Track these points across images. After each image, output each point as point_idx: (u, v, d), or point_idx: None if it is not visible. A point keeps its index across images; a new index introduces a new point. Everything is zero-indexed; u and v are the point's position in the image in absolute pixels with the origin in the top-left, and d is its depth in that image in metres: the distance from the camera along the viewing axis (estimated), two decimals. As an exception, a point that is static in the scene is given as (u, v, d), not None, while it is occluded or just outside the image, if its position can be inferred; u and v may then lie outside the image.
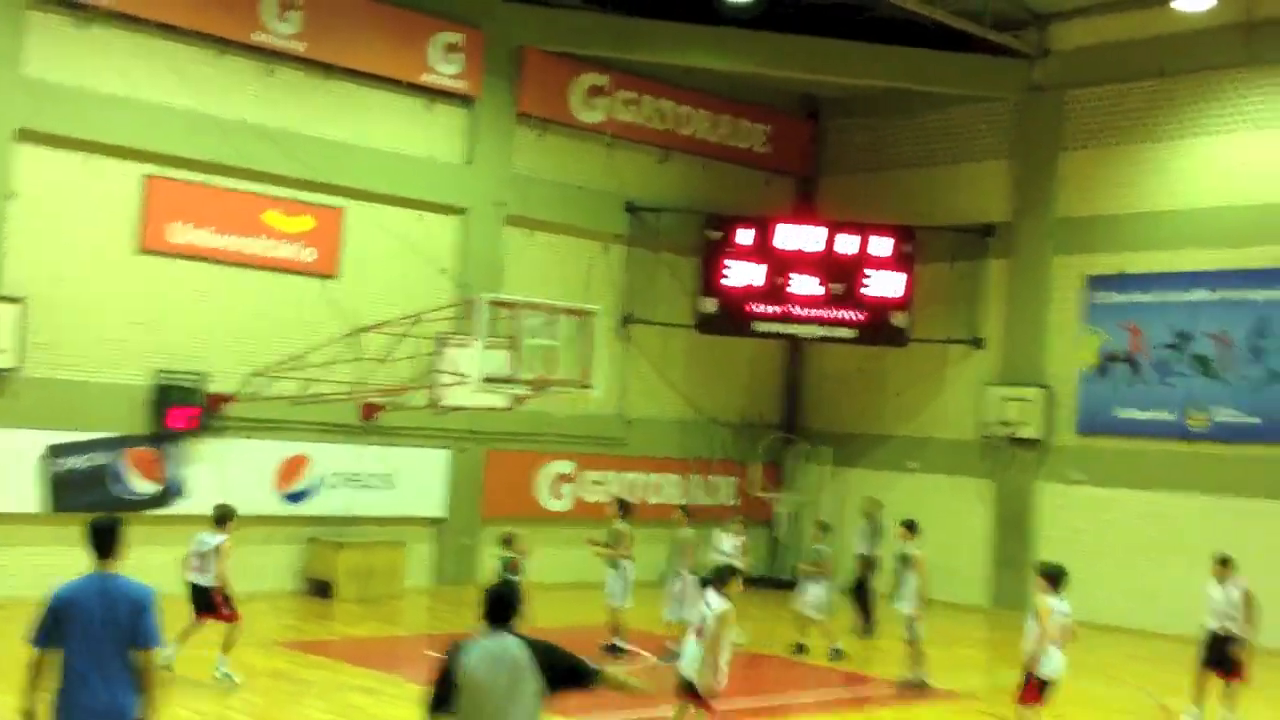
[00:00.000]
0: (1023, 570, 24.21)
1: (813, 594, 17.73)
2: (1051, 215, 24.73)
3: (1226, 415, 22.32)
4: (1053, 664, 11.79)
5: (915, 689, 15.59)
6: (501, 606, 6.58)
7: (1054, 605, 11.76)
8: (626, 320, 25.26)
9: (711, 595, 10.68)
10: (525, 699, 6.36)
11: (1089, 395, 23.98)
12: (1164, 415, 23.02)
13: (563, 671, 6.50)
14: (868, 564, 20.97)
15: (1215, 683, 14.13)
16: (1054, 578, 11.84)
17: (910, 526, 16.41)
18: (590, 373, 18.15)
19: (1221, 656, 13.91)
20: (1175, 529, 22.33)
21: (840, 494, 26.87)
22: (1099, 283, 24.03)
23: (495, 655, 6.39)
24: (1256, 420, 22.02)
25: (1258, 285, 22.19)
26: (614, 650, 16.35)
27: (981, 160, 25.88)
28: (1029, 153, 25.19)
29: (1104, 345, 23.88)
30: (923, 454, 26.08)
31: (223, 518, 13.98)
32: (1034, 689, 11.84)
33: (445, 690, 6.39)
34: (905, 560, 16.16)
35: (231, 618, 13.74)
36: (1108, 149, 24.19)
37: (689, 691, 10.56)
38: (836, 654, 17.39)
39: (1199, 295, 22.82)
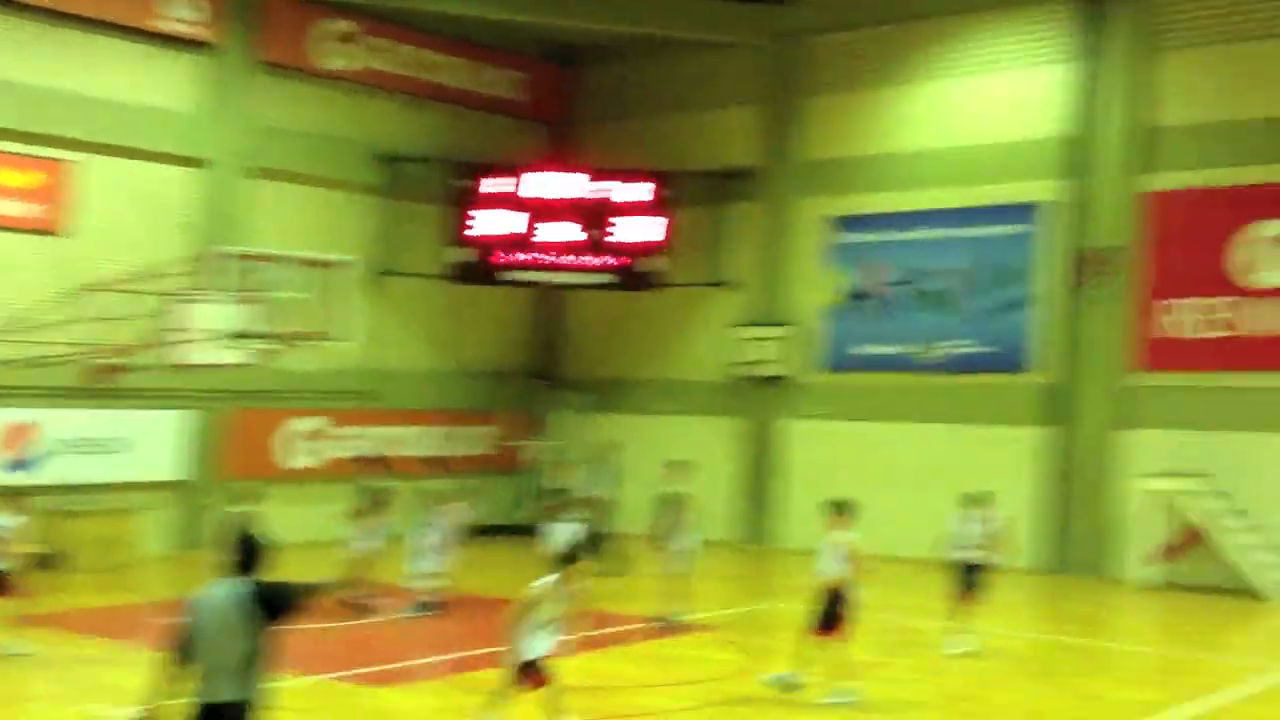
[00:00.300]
0: (772, 506, 25.17)
1: (563, 534, 17.87)
2: (796, 159, 25.50)
3: (957, 347, 23.55)
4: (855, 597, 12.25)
5: (669, 626, 15.97)
6: (245, 555, 6.81)
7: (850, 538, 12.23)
8: (379, 272, 24.97)
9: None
10: (244, 633, 6.60)
11: (834, 333, 24.94)
12: (903, 349, 24.13)
13: (280, 597, 6.73)
14: (602, 506, 21.23)
15: (966, 604, 14.96)
16: (845, 511, 12.30)
17: (680, 466, 16.70)
18: (342, 325, 17.91)
19: (971, 582, 14.81)
20: (914, 456, 23.49)
21: (600, 439, 27.28)
22: (841, 223, 24.95)
23: (219, 599, 6.67)
24: (983, 350, 23.31)
25: (982, 222, 23.42)
26: (360, 606, 16.21)
27: (733, 106, 26.44)
28: (776, 98, 25.86)
29: (846, 284, 24.84)
30: (677, 396, 26.67)
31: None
32: (836, 620, 12.18)
33: (184, 642, 6.64)
34: (677, 499, 16.37)
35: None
36: (849, 94, 25.05)
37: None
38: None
39: (930, 233, 23.95)
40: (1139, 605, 19.80)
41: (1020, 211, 23.16)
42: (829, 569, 12.36)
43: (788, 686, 12.22)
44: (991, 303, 23.38)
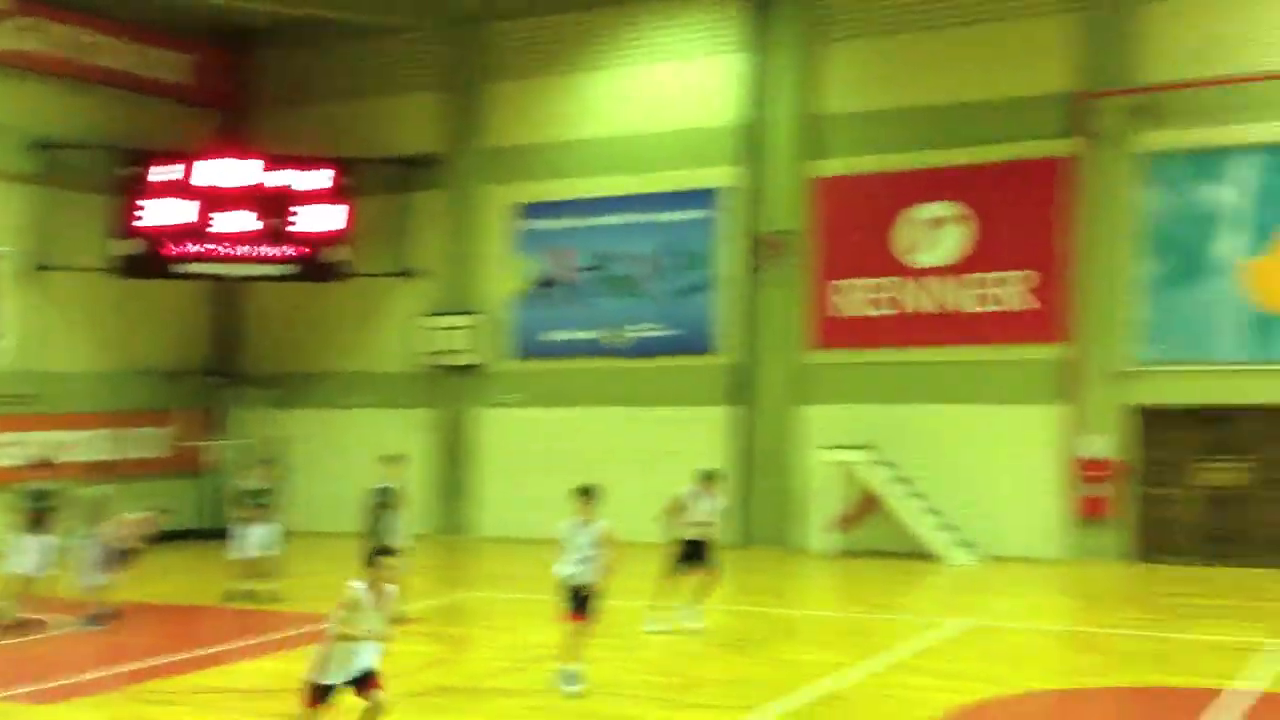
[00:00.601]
0: (467, 495, 25.01)
1: (257, 536, 17.27)
2: (481, 146, 25.38)
3: (644, 330, 23.99)
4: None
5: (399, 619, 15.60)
6: None
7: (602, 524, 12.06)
8: (37, 266, 23.36)
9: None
10: None
11: (523, 320, 24.97)
12: (591, 334, 24.40)
13: None
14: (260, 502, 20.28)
15: (688, 581, 15.12)
16: (592, 495, 12.28)
17: (395, 460, 16.14)
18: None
19: (698, 558, 14.95)
20: (607, 440, 23.79)
21: (285, 435, 26.45)
22: (528, 210, 25.02)
23: None
24: (670, 333, 23.84)
25: (665, 208, 23.93)
26: (22, 624, 15.09)
27: (414, 92, 26.05)
28: (458, 84, 25.64)
29: (534, 271, 24.90)
30: (364, 389, 26.13)
31: None
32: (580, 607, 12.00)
33: None
34: (390, 494, 15.83)
35: None
36: (531, 80, 25.09)
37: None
38: (250, 595, 16.95)
39: (616, 219, 24.31)
40: (822, 573, 20.69)
41: (700, 197, 23.78)
42: (577, 557, 12.12)
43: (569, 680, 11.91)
44: (676, 286, 23.93)
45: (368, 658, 8.75)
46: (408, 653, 13.87)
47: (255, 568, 17.25)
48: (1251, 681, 12.12)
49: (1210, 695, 11.51)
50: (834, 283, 22.81)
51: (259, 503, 17.50)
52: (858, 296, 22.65)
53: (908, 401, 21.93)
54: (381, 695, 8.78)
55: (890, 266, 22.39)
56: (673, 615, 14.77)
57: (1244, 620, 15.62)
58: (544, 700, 11.66)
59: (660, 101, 24.05)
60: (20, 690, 12.12)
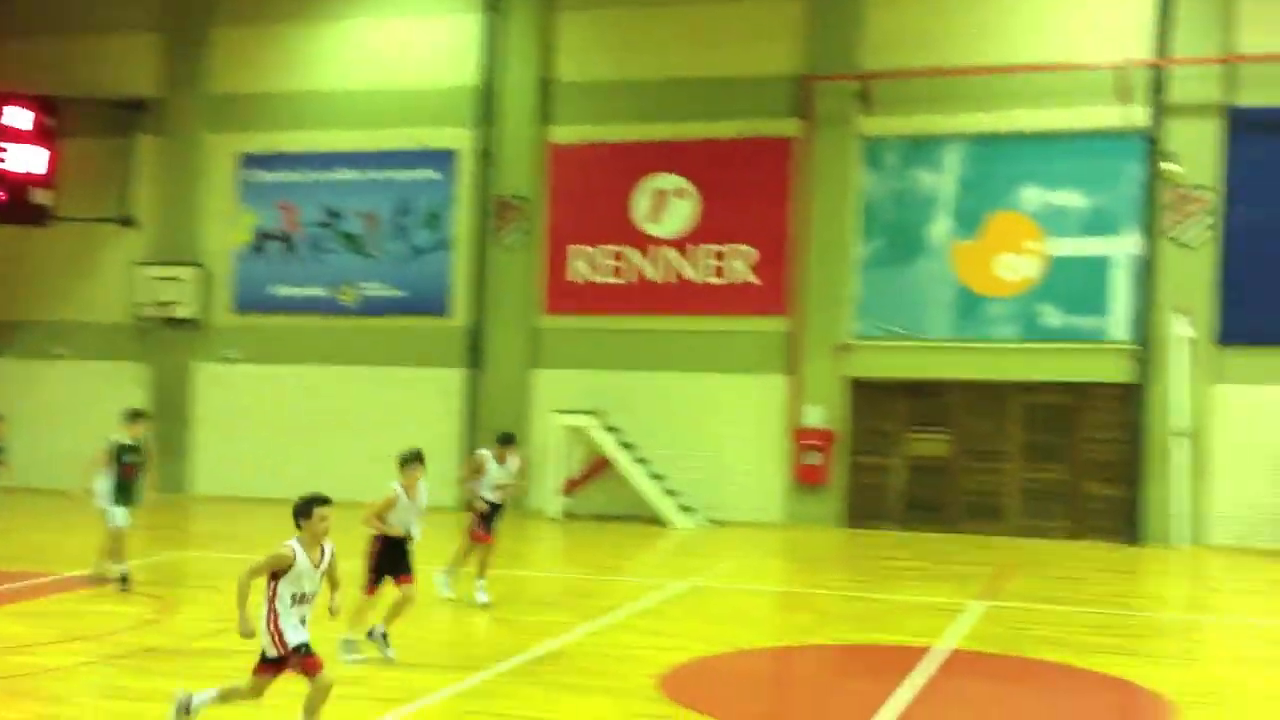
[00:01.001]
0: (181, 453, 24.01)
1: None
2: (204, 92, 24.32)
3: (375, 290, 23.52)
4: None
5: (106, 581, 14.85)
6: None
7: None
8: None
9: None
10: None
11: (245, 274, 24.09)
12: (318, 291, 23.77)
13: None
14: None
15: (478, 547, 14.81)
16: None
17: (138, 416, 15.06)
18: None
19: (490, 523, 14.61)
20: (332, 400, 23.28)
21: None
22: (253, 161, 24.12)
23: None
24: (402, 293, 23.43)
25: (399, 166, 23.49)
26: None
27: (130, 31, 24.75)
28: (179, 26, 24.50)
29: (258, 224, 24.07)
30: (73, 339, 24.74)
31: None
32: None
33: None
34: (132, 451, 14.83)
35: None
36: (260, 27, 24.18)
37: None
38: None
39: (348, 175, 23.72)
40: (551, 535, 20.79)
41: (437, 157, 23.45)
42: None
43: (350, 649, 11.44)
44: (409, 247, 23.53)
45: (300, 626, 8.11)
46: (116, 613, 13.28)
47: None
48: (951, 640, 12.81)
49: (918, 653, 12.10)
50: (568, 248, 22.88)
51: None
52: (591, 263, 22.81)
53: (637, 368, 22.25)
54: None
55: (624, 235, 22.63)
56: (462, 583, 14.45)
57: (943, 581, 16.53)
58: (249, 661, 11.29)
59: (396, 58, 23.56)
60: None
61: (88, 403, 23.47)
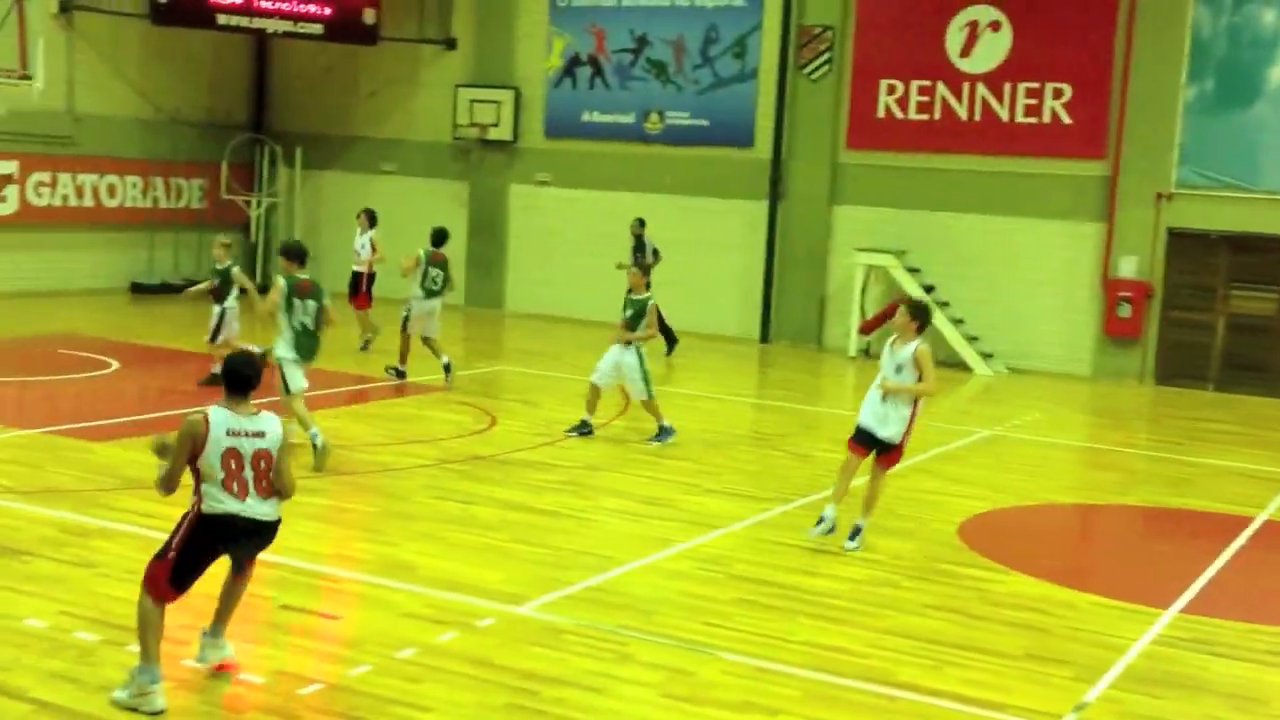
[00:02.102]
0: (495, 269, 25.08)
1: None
2: (517, -86, 24.56)
3: (679, 119, 23.66)
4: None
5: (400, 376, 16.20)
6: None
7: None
8: (68, 6, 22.88)
9: None
10: None
11: (556, 99, 24.59)
12: (624, 119, 24.06)
13: None
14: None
15: None
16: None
17: (227, 245, 15.49)
18: (29, 62, 16.38)
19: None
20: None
21: (314, 196, 26.46)
22: (562, -14, 24.36)
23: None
24: (704, 123, 23.51)
25: (709, -7, 23.32)
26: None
27: None
28: None
29: (568, 49, 24.41)
30: (398, 156, 25.92)
31: None
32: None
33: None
34: (227, 276, 15.08)
35: None
36: None
37: None
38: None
39: (656, 1, 23.68)
40: (845, 373, 20.89)
41: (743, -16, 23.14)
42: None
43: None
44: (713, 76, 23.48)
45: None
46: (444, 420, 14.23)
47: None
48: (1273, 510, 12.38)
49: (1235, 522, 11.77)
50: (876, 82, 22.39)
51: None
52: (898, 98, 22.28)
53: (942, 209, 21.78)
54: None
55: (932, 69, 21.95)
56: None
57: (1263, 449, 15.82)
58: (571, 475, 11.97)
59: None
60: (71, 426, 12.49)
61: (410, 217, 24.64)
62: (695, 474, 12.37)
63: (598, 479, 11.98)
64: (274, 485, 6.59)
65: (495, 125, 24.53)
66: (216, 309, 14.98)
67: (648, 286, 14.05)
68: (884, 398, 9.81)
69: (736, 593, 8.81)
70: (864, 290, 21.78)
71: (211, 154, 25.58)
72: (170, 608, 6.52)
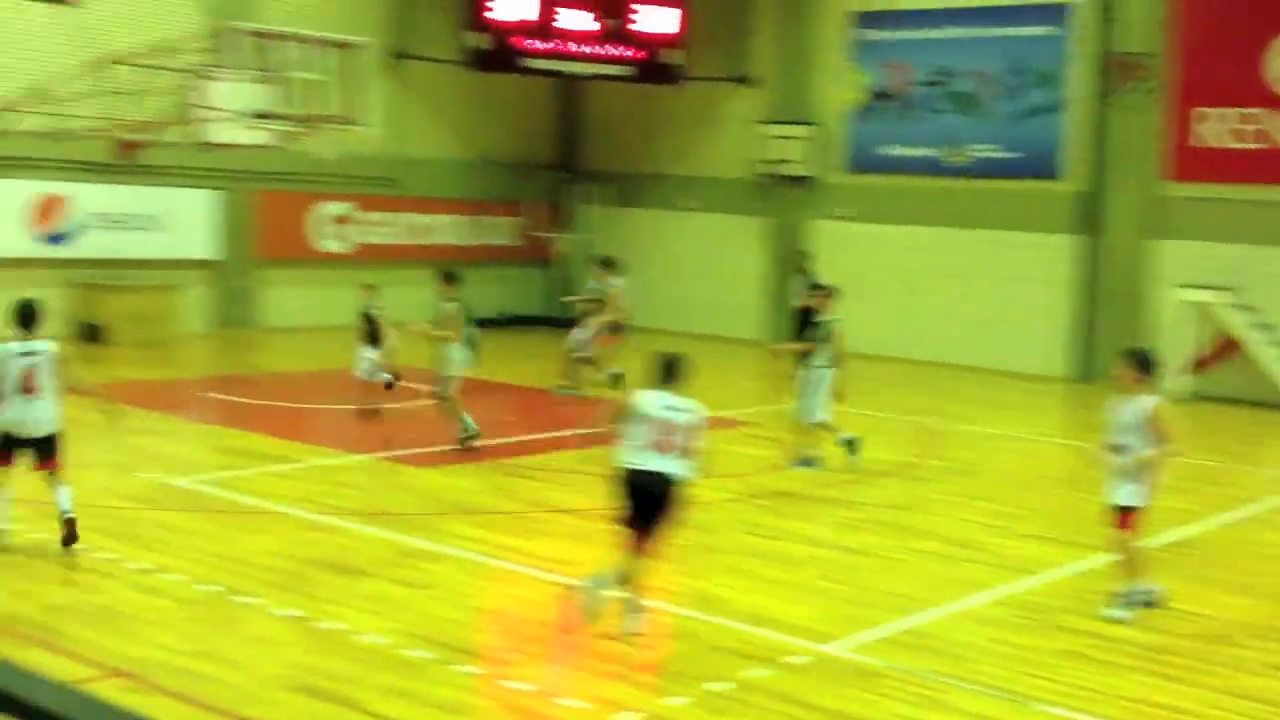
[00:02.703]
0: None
1: (583, 332, 17.79)
2: (823, -50, 24.62)
3: (984, 151, 23.16)
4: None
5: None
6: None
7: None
8: (395, 55, 24.33)
9: None
10: None
11: (857, 133, 24.48)
12: (926, 151, 23.73)
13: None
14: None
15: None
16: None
17: (372, 288, 15.81)
18: (360, 109, 17.45)
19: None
20: (939, 261, 23.32)
21: (619, 233, 27.15)
22: (866, 19, 24.22)
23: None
24: (1011, 155, 22.93)
25: (1014, 22, 22.75)
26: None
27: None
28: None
29: (870, 82, 24.28)
30: (699, 193, 26.34)
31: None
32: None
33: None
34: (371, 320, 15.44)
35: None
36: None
37: None
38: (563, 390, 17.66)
39: (960, 31, 23.29)
40: (1178, 417, 19.81)
41: (1051, 12, 22.47)
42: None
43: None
44: (1021, 106, 22.88)
45: None
46: (748, 455, 14.31)
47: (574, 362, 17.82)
48: None
49: None
50: (1195, 110, 21.32)
51: (591, 300, 18.03)
52: (1221, 126, 21.12)
53: (1270, 244, 20.52)
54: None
55: (1259, 95, 20.73)
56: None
57: None
58: (878, 514, 11.82)
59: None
60: (400, 452, 13.18)
61: (710, 253, 25.05)
62: (1006, 516, 12.03)
63: (905, 518, 11.81)
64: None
65: (796, 161, 24.62)
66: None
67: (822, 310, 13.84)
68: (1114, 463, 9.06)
69: (1058, 643, 8.50)
70: (1192, 329, 20.62)
71: (522, 193, 26.68)
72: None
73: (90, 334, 19.92)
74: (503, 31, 24.49)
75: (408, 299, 24.62)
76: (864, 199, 24.35)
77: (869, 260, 24.02)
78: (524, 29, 24.50)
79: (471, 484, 12.18)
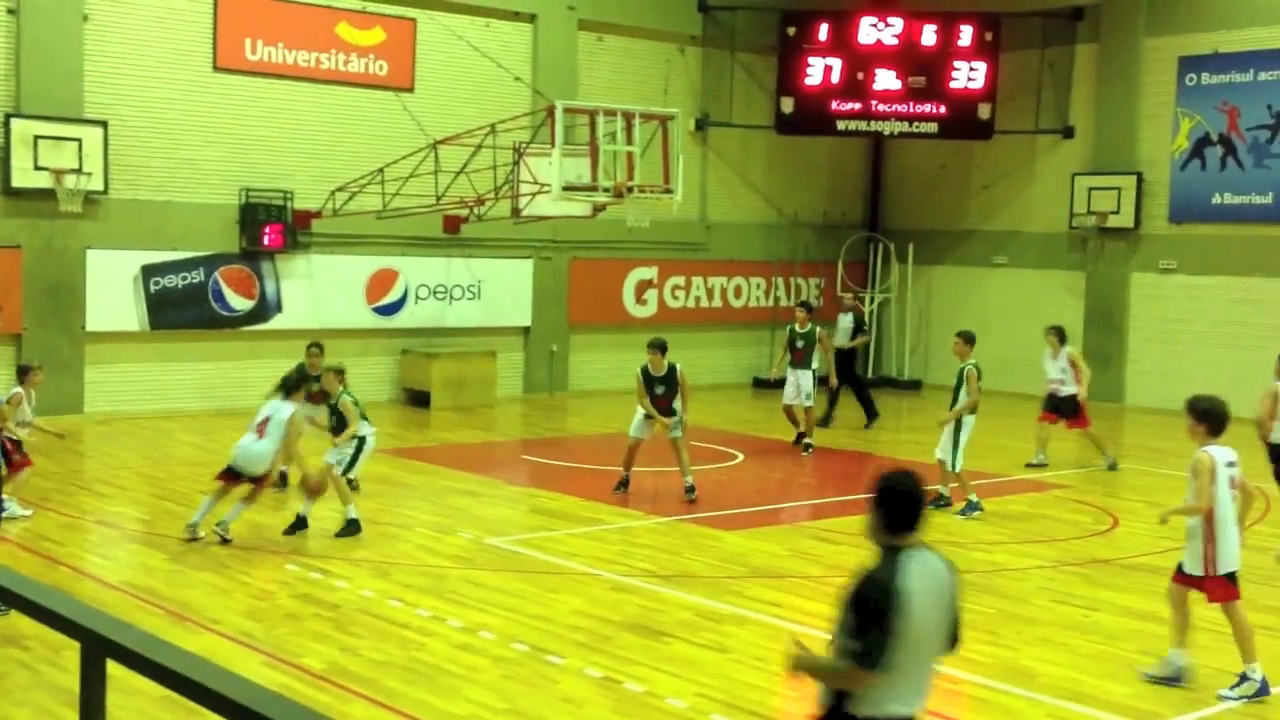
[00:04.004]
0: (1115, 361, 24.05)
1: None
2: (1143, -5, 23.72)
3: (1321, 196, 21.67)
4: None
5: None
6: (915, 508, 4.89)
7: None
8: (703, 123, 24.88)
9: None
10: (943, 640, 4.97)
11: (1181, 181, 23.33)
12: (1260, 199, 22.38)
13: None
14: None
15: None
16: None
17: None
18: (671, 178, 17.90)
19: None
20: (1270, 315, 21.94)
21: (924, 291, 26.76)
22: (1192, 64, 23.14)
23: (931, 579, 4.87)
24: (1352, 200, 21.36)
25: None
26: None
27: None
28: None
29: (1196, 129, 23.13)
30: (1011, 248, 25.68)
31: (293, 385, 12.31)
32: None
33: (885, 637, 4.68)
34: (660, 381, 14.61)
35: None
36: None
37: None
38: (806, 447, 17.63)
39: (1296, 72, 21.94)
40: None
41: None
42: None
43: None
44: (1364, 148, 21.32)
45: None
46: (1065, 520, 13.79)
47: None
48: None
49: None
50: None
51: None
52: None
53: None
54: None
55: None
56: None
57: None
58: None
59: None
60: (703, 515, 13.36)
61: (1023, 309, 24.31)
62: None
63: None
64: None
65: (1115, 213, 23.68)
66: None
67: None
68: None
69: None
70: None
71: (828, 253, 26.69)
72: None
73: (414, 399, 21.13)
74: (813, 95, 24.68)
75: (706, 360, 25.13)
76: (1189, 250, 23.16)
77: (1194, 313, 22.83)
78: (834, 91, 24.63)
79: (773, 547, 12.20)
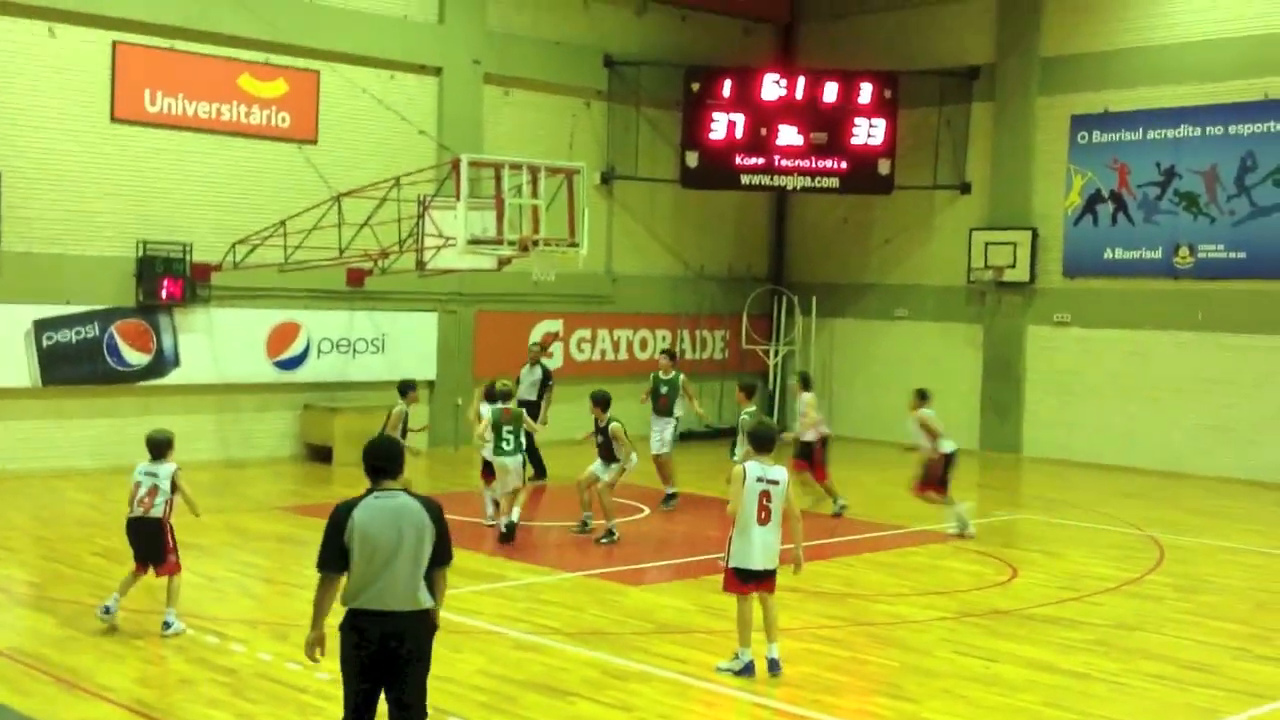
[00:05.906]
0: (1011, 412, 24.50)
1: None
2: (1035, 55, 24.37)
3: (1212, 252, 22.33)
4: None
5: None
6: (388, 459, 6.99)
7: None
8: (609, 176, 25.03)
9: None
10: (414, 555, 6.61)
11: (1074, 236, 23.94)
12: (1150, 254, 23.02)
13: (440, 545, 6.73)
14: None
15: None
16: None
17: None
18: (577, 231, 17.95)
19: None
20: (1163, 367, 22.54)
21: (827, 343, 27.07)
22: (1084, 122, 23.81)
23: (389, 510, 6.66)
24: (1242, 255, 22.03)
25: (1243, 119, 22.00)
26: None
27: (964, 1, 25.40)
28: (1013, -9, 24.72)
29: (1089, 185, 23.76)
30: (911, 301, 26.11)
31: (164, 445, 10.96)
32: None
33: (335, 548, 6.61)
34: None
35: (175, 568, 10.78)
36: (1093, -15, 23.75)
37: None
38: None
39: (1184, 131, 22.64)
40: None
41: (1277, 108, 21.68)
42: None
43: None
44: (1251, 206, 22.01)
45: None
46: (963, 571, 13.94)
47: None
48: None
49: None
50: None
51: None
52: None
53: None
54: None
55: None
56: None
57: None
58: (1102, 634, 11.32)
59: (1234, 4, 22.02)
60: (608, 570, 13.30)
61: (922, 361, 24.73)
62: (1244, 637, 11.38)
63: (1131, 639, 11.28)
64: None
65: (1012, 266, 24.20)
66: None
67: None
68: None
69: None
70: None
71: (733, 306, 26.92)
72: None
73: (316, 455, 20.81)
74: (718, 150, 24.98)
75: (615, 412, 25.03)
76: (1082, 303, 23.75)
77: (1088, 365, 23.38)
78: (738, 146, 24.95)
79: (679, 602, 12.18)
